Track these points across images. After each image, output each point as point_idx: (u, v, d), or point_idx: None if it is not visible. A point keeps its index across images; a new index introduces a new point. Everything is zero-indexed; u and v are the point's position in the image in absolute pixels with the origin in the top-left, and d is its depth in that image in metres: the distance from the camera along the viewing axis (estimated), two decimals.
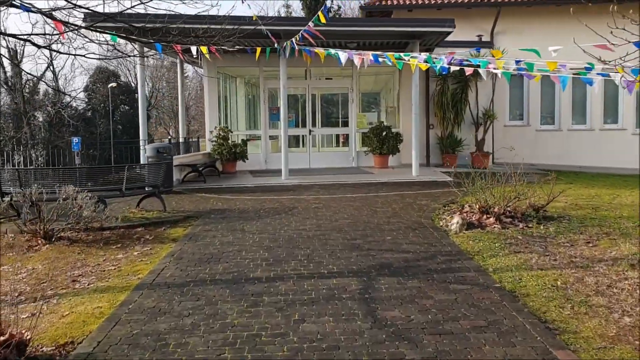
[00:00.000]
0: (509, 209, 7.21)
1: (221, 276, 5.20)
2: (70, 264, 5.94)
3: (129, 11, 5.73)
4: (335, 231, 6.97)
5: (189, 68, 32.52)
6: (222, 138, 13.25)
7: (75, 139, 24.22)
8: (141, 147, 11.54)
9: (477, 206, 7.40)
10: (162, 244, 6.64)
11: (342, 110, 15.26)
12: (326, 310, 4.25)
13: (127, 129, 33.98)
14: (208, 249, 6.21)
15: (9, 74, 31.05)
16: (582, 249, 5.90)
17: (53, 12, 5.64)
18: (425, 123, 14.87)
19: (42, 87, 32.79)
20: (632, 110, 15.13)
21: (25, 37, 5.84)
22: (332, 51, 8.83)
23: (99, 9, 5.79)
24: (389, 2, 15.55)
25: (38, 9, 5.44)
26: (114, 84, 33.24)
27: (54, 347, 3.79)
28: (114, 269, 5.70)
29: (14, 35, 6.21)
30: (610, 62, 4.07)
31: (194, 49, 7.79)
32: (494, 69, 6.83)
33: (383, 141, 13.61)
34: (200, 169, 12.35)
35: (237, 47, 7.98)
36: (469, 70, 7.47)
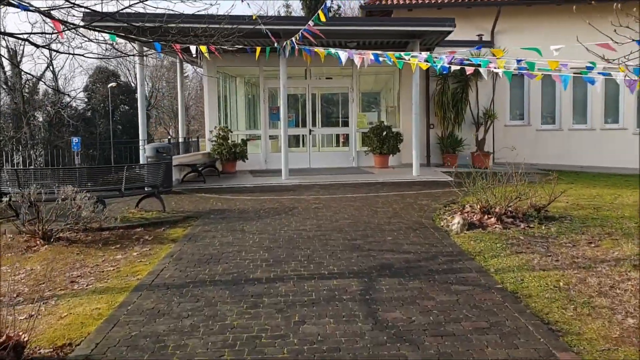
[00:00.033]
0: (510, 209, 7.17)
1: (221, 277, 5.16)
2: (68, 264, 5.90)
3: (128, 10, 5.69)
4: (336, 231, 6.93)
5: (188, 68, 32.46)
6: (222, 138, 13.21)
7: (75, 139, 24.22)
8: (140, 147, 11.50)
9: (479, 206, 7.36)
10: (162, 244, 6.60)
11: (342, 110, 15.22)
12: (327, 311, 4.21)
13: (127, 129, 33.95)
14: (208, 250, 6.17)
15: (8, 74, 31.01)
16: (584, 249, 5.86)
17: (51, 11, 5.61)
18: (425, 123, 14.83)
19: (42, 87, 32.77)
20: (633, 109, 15.10)
21: (23, 36, 5.82)
22: (332, 50, 8.79)
23: (98, 9, 5.76)
24: (389, 2, 15.52)
25: (36, 7, 5.40)
26: (113, 84, 33.22)
27: (51, 349, 3.75)
28: (113, 269, 5.66)
29: (12, 35, 6.18)
30: (614, 60, 4.03)
31: (193, 48, 7.75)
32: (495, 68, 6.79)
33: (383, 141, 13.57)
34: (200, 169, 12.31)
35: (237, 46, 7.93)
36: (469, 70, 7.43)
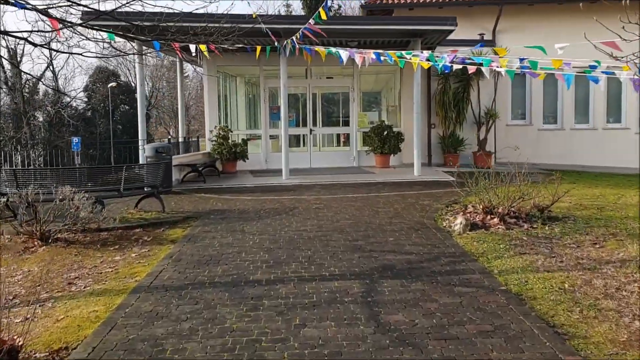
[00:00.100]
0: (513, 209, 7.09)
1: (220, 279, 5.09)
2: (66, 266, 5.83)
3: (127, 9, 5.62)
4: (337, 232, 6.85)
5: (188, 67, 32.39)
6: (222, 137, 13.14)
7: (75, 139, 24.15)
8: (140, 147, 11.42)
9: (481, 206, 7.28)
10: (161, 245, 6.52)
11: (343, 110, 15.15)
12: (328, 314, 4.14)
13: (127, 128, 33.89)
14: (207, 251, 6.10)
15: (8, 73, 30.95)
16: (589, 250, 5.78)
17: (49, 10, 5.54)
18: (426, 122, 14.75)
19: (42, 86, 32.70)
20: (636, 109, 15.00)
21: (21, 35, 5.74)
22: (333, 50, 8.70)
23: (96, 7, 5.69)
24: (390, 1, 15.44)
25: (33, 6, 5.33)
26: (113, 84, 33.15)
27: (47, 353, 3.67)
28: (111, 271, 5.59)
29: (10, 33, 6.11)
30: (622, 58, 3.95)
31: (192, 47, 7.67)
32: (498, 67, 6.71)
33: (384, 140, 13.49)
34: (200, 168, 12.24)
35: (237, 45, 7.86)
36: (472, 69, 7.35)
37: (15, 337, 3.52)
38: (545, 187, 7.56)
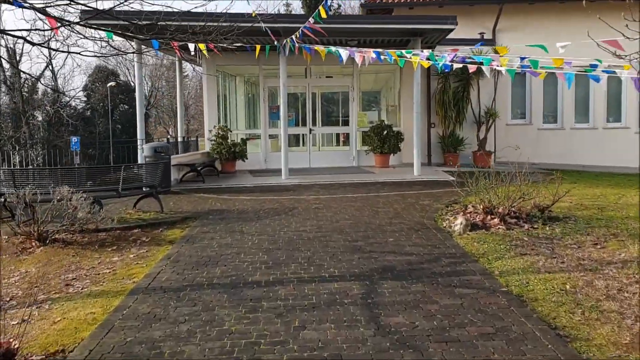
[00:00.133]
0: (513, 209, 7.05)
1: (219, 280, 5.05)
2: (64, 267, 5.79)
3: (125, 7, 5.57)
4: (336, 232, 6.81)
5: (188, 67, 32.37)
6: (221, 137, 13.09)
7: (74, 139, 24.10)
8: (139, 147, 11.37)
9: (481, 206, 7.24)
10: (159, 246, 6.48)
11: (343, 109, 15.10)
12: (327, 316, 4.10)
13: (127, 128, 33.86)
14: (206, 252, 6.06)
15: (7, 73, 30.89)
16: (590, 250, 5.74)
17: (47, 9, 5.49)
18: (426, 122, 14.70)
19: (42, 86, 32.65)
20: (636, 108, 14.97)
21: (20, 34, 5.69)
22: (333, 49, 8.66)
23: (96, 6, 5.64)
24: (390, 0, 15.39)
25: (30, 4, 5.28)
26: (112, 83, 33.10)
27: (43, 356, 3.63)
28: (109, 272, 5.54)
29: (7, 32, 6.06)
30: (626, 56, 3.91)
31: (191, 46, 7.63)
32: (498, 66, 6.67)
33: (384, 140, 13.44)
34: (199, 168, 12.19)
35: (236, 44, 7.81)
36: (472, 68, 7.31)
37: (11, 340, 3.49)
38: (545, 187, 7.52)
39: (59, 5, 5.47)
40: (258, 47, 9.29)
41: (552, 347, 3.48)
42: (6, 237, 6.95)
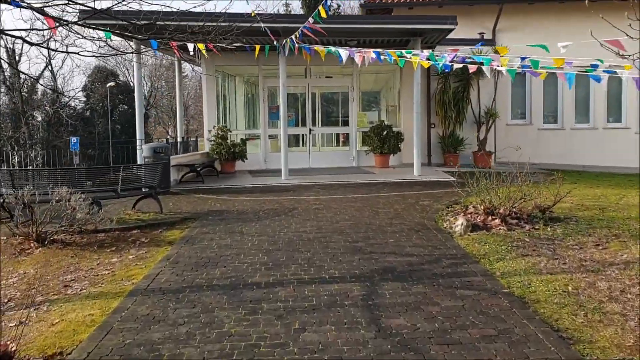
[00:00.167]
0: (514, 210, 7.02)
1: (218, 281, 5.01)
2: (62, 268, 5.75)
3: (123, 7, 5.53)
4: (337, 233, 6.78)
5: (187, 67, 32.32)
6: (221, 137, 13.05)
7: (73, 139, 24.05)
8: (138, 147, 11.33)
9: (482, 207, 7.20)
10: (158, 247, 6.44)
11: (343, 109, 15.07)
12: (328, 318, 4.06)
13: (126, 128, 33.80)
14: (205, 253, 6.02)
15: (7, 73, 30.84)
16: (592, 251, 5.71)
17: (45, 8, 5.46)
18: (426, 122, 14.68)
19: (41, 86, 32.59)
20: (636, 108, 14.94)
21: (18, 33, 5.66)
22: (333, 49, 8.63)
23: (94, 6, 5.60)
24: (390, 0, 15.36)
25: (28, 4, 5.25)
26: (112, 84, 33.04)
27: (41, 359, 3.60)
28: (108, 273, 5.51)
29: (6, 32, 6.02)
30: (629, 56, 3.88)
31: (190, 46, 7.59)
32: (499, 66, 6.64)
33: (384, 140, 13.41)
34: (199, 169, 12.15)
35: (235, 44, 7.78)
36: (472, 68, 7.28)
37: (8, 343, 3.45)
38: (546, 188, 7.49)
39: (57, 4, 5.44)
40: (257, 47, 9.26)
41: (555, 349, 3.45)
42: (4, 238, 6.91)
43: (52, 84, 34.29)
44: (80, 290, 5.01)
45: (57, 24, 5.49)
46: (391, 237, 6.51)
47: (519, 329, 3.77)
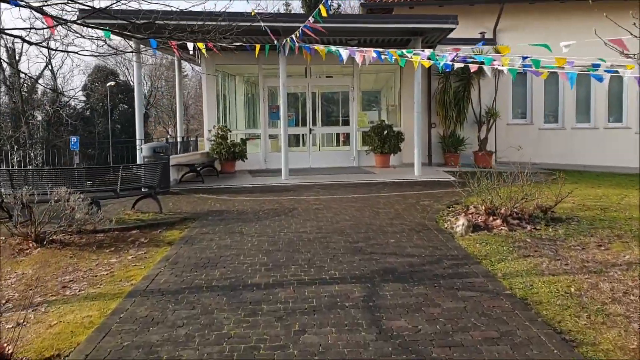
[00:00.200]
0: (516, 210, 6.98)
1: (218, 282, 4.97)
2: (61, 268, 5.71)
3: (123, 7, 5.50)
4: (337, 234, 6.74)
5: (187, 66, 32.27)
6: (221, 137, 13.01)
7: (73, 138, 24.03)
8: (137, 147, 11.29)
9: (483, 207, 7.16)
10: (158, 247, 6.41)
11: (343, 109, 15.03)
12: (328, 319, 4.02)
13: (126, 128, 33.76)
14: (205, 253, 5.98)
15: (7, 72, 30.80)
16: (594, 252, 5.67)
17: (44, 7, 5.42)
18: (427, 122, 14.64)
19: (41, 86, 32.55)
20: (636, 108, 14.91)
21: (17, 33, 5.62)
22: (333, 48, 8.60)
23: (93, 5, 5.57)
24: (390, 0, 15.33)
25: (27, 3, 5.21)
26: (112, 83, 33.00)
27: None
28: (107, 274, 5.47)
29: (5, 32, 5.99)
30: (634, 55, 3.84)
31: (190, 45, 7.56)
32: (500, 65, 6.60)
33: (384, 140, 13.38)
34: (199, 168, 12.12)
35: (235, 44, 7.75)
36: (473, 67, 7.24)
37: (5, 345, 3.41)
38: (548, 188, 7.45)
39: (56, 4, 5.41)
40: (257, 46, 9.23)
41: (558, 352, 3.41)
42: (3, 238, 6.88)
43: (52, 83, 34.26)
44: (79, 291, 4.97)
45: (56, 23, 5.45)
46: (392, 238, 6.47)
47: (521, 331, 3.73)
